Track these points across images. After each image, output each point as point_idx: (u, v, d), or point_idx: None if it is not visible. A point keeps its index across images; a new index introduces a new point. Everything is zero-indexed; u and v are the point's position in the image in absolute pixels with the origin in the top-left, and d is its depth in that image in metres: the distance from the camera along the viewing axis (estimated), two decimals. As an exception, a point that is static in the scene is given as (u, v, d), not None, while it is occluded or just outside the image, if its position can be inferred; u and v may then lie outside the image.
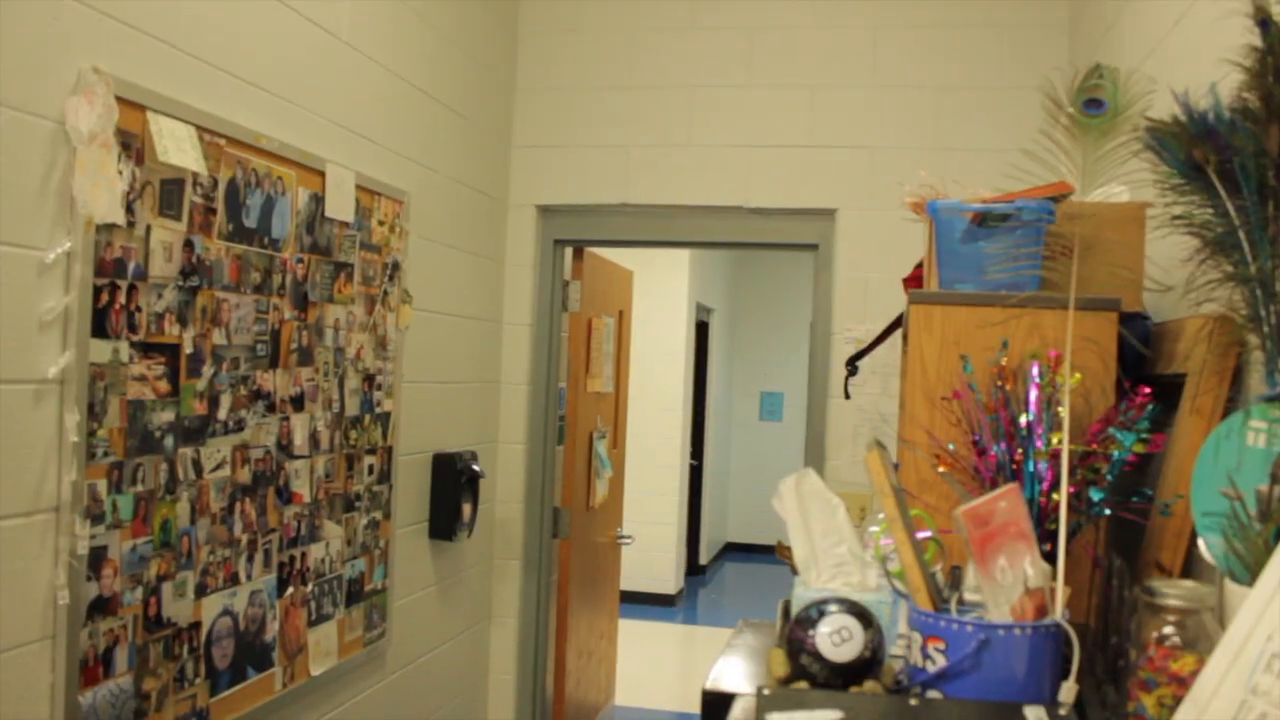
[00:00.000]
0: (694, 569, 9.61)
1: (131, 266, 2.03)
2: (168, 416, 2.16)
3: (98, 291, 1.95)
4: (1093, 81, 1.54)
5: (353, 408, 2.90)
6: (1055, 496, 1.44)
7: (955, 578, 1.36)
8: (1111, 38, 2.93)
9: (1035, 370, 1.55)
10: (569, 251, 4.31)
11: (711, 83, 3.93)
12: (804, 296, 5.34)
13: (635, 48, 4.00)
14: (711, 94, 3.93)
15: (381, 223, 3.01)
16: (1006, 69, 3.69)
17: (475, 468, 3.58)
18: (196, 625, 2.27)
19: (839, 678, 1.29)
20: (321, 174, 2.69)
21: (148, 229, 2.07)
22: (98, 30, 1.96)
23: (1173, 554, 1.55)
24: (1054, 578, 1.31)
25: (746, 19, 3.91)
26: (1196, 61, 1.90)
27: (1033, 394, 1.53)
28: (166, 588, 2.17)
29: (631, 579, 7.46)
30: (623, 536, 5.20)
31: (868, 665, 1.30)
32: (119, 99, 1.95)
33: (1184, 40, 2.15)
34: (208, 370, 2.27)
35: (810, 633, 1.31)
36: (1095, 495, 1.47)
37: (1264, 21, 1.27)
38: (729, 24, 3.92)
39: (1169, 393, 1.67)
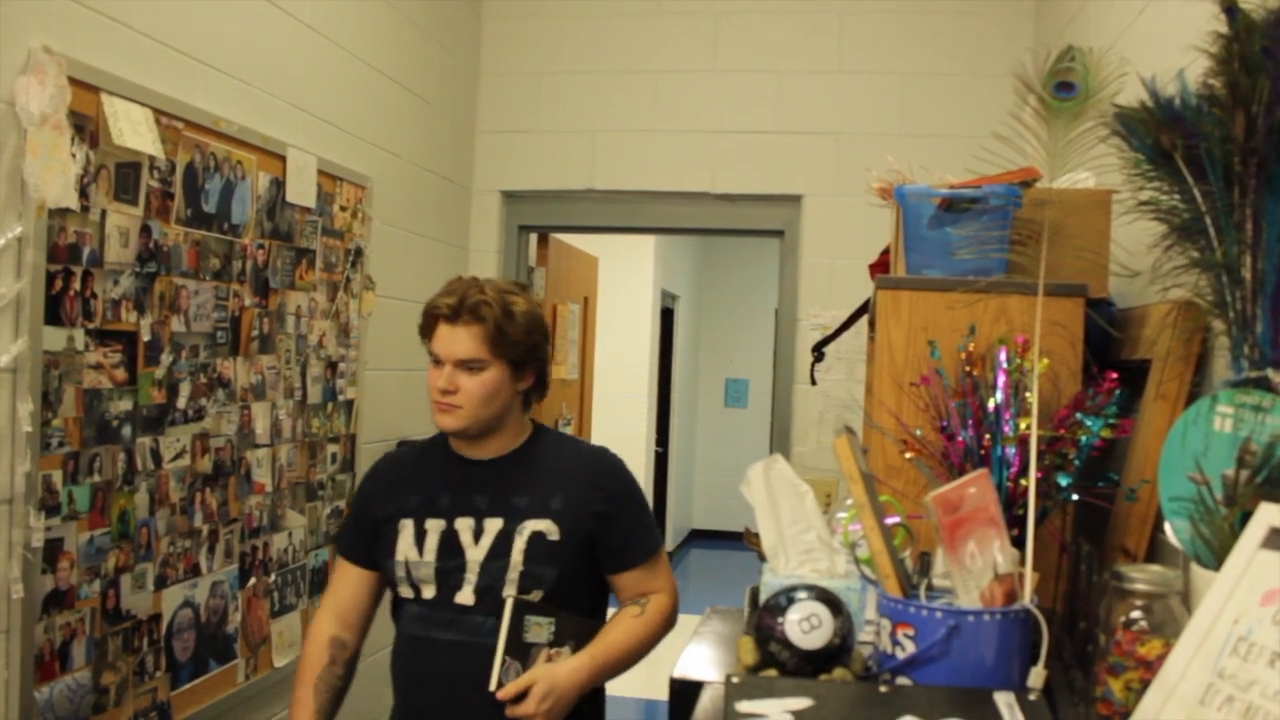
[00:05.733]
0: (660, 556, 9.60)
1: (86, 252, 1.99)
2: (125, 405, 2.11)
3: (51, 278, 1.91)
4: (1064, 64, 1.54)
5: (315, 395, 2.86)
6: (1023, 482, 1.44)
7: (924, 564, 1.36)
8: (1077, 24, 2.94)
9: (1003, 355, 1.55)
10: (534, 237, 4.28)
11: (677, 67, 3.91)
12: (769, 283, 5.35)
13: (600, 32, 3.97)
14: (677, 79, 3.91)
15: (344, 208, 2.97)
16: (972, 55, 3.70)
17: (440, 456, 3.49)
18: (157, 617, 2.24)
19: (808, 665, 1.28)
20: (282, 158, 2.65)
21: (103, 214, 2.03)
22: (48, 8, 1.91)
23: (1138, 538, 1.56)
24: (1022, 563, 1.31)
25: (713, 3, 3.89)
26: (1163, 48, 1.90)
27: (1000, 379, 1.53)
28: (125, 580, 2.13)
29: (597, 566, 7.44)
30: (589, 524, 5.17)
31: (837, 652, 1.29)
32: (71, 80, 1.90)
33: (1150, 27, 2.16)
34: (166, 358, 2.23)
35: (779, 620, 1.30)
36: (1063, 481, 1.47)
37: (1230, 9, 1.27)
38: (695, 8, 3.90)
39: (1134, 377, 1.68)
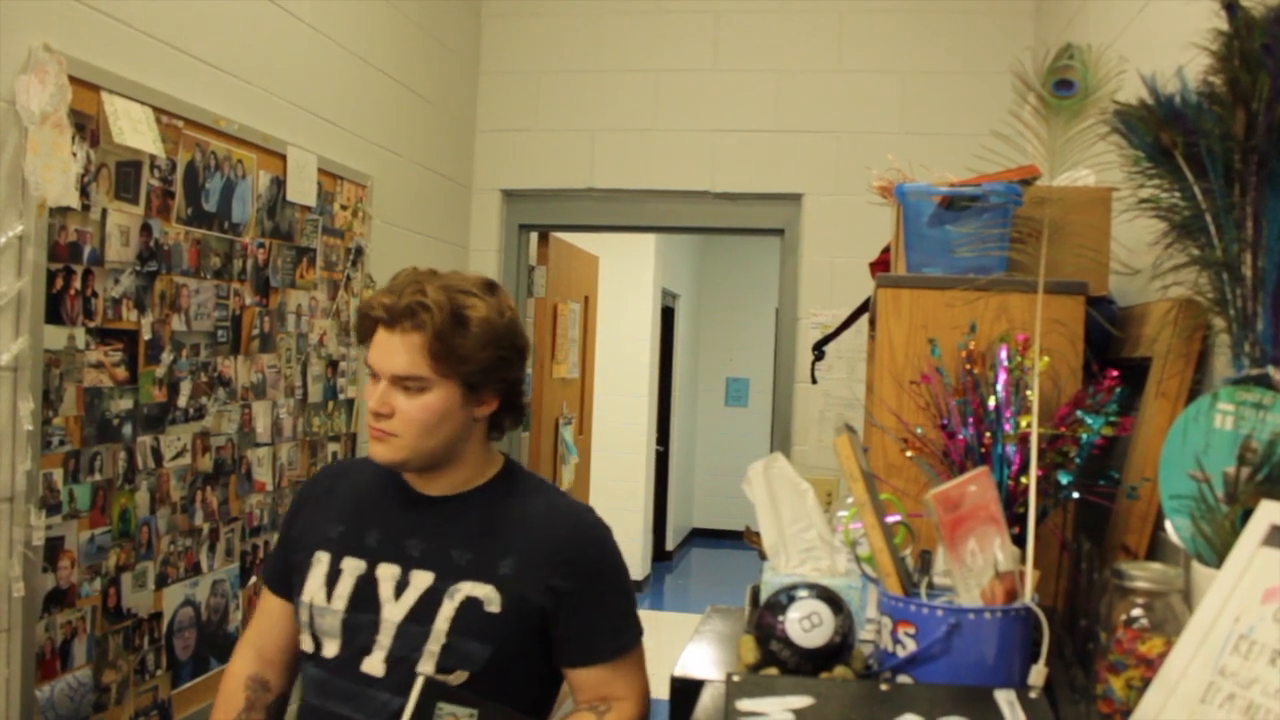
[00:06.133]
0: (661, 555, 9.61)
1: (87, 251, 1.99)
2: (126, 404, 2.11)
3: (52, 276, 1.91)
4: (1063, 62, 1.54)
5: (316, 394, 2.86)
6: (1024, 480, 1.44)
7: (925, 562, 1.35)
8: (1077, 22, 2.94)
9: (1003, 353, 1.55)
10: (534, 236, 4.28)
11: (677, 66, 3.91)
12: (769, 282, 5.35)
13: (600, 30, 3.97)
14: (677, 78, 3.91)
15: (344, 207, 2.97)
16: (972, 54, 3.70)
17: (441, 455, 3.52)
18: (157, 616, 2.24)
19: (809, 663, 1.28)
20: (283, 157, 2.65)
21: (104, 212, 2.03)
22: (49, 7, 1.91)
23: (1138, 537, 1.56)
24: (1023, 561, 1.31)
25: (713, 2, 3.89)
26: (1163, 46, 1.91)
27: (1001, 377, 1.53)
28: (126, 578, 2.13)
29: (598, 565, 7.43)
30: (589, 523, 5.17)
31: (838, 650, 1.29)
32: (72, 79, 1.90)
33: (1150, 25, 2.16)
34: (167, 357, 2.23)
35: (780, 618, 1.30)
36: (1063, 478, 1.47)
37: (1231, 6, 1.27)
38: (695, 7, 3.90)
39: (1134, 376, 1.68)
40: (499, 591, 1.54)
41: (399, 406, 1.54)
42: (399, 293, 1.54)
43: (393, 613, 1.55)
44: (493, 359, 1.56)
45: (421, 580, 1.56)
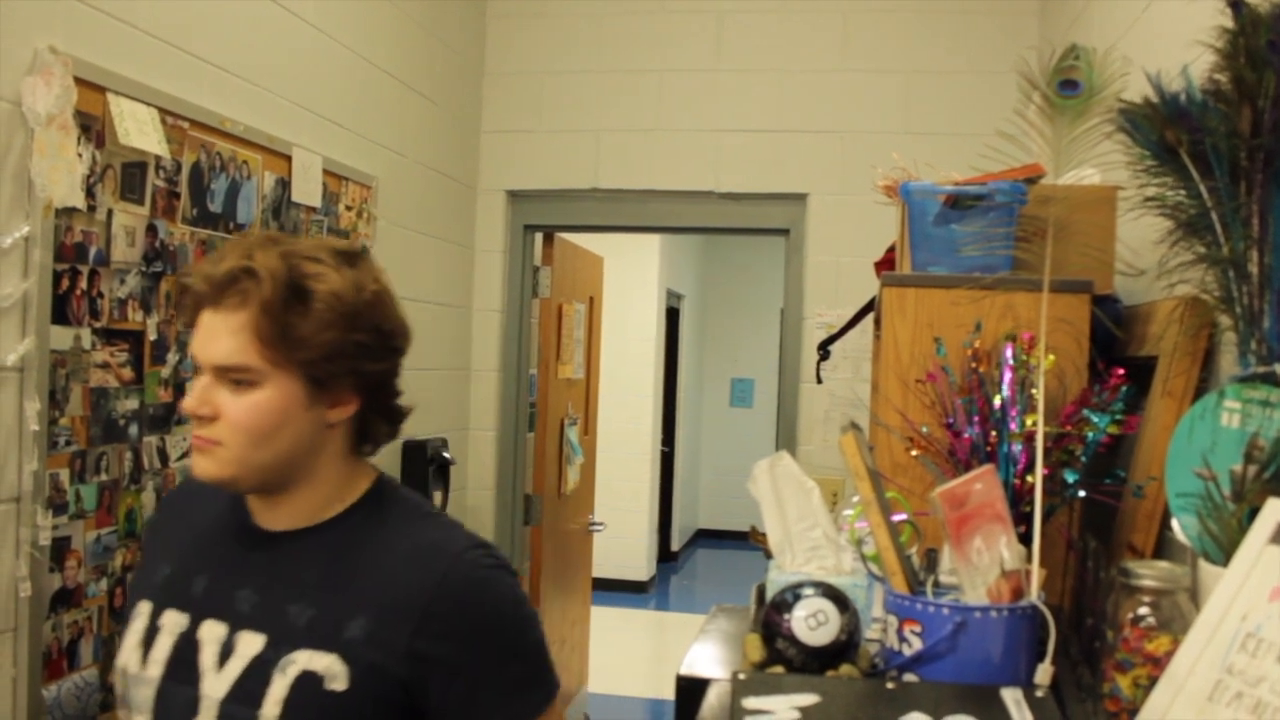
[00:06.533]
0: (666, 555, 9.62)
1: (93, 251, 1.99)
2: (132, 404, 2.12)
3: (58, 277, 1.91)
4: (1069, 62, 1.54)
5: (321, 395, 2.86)
6: (1030, 478, 1.44)
7: (931, 560, 1.35)
8: (1081, 22, 2.94)
9: (1009, 352, 1.54)
10: (539, 237, 4.28)
11: (681, 66, 3.91)
12: (774, 282, 5.35)
13: (604, 31, 3.97)
14: (681, 78, 3.91)
15: (349, 208, 2.98)
16: (976, 53, 3.69)
17: (446, 455, 3.55)
18: (163, 616, 2.24)
19: (815, 661, 1.28)
20: (288, 158, 2.65)
21: (109, 213, 2.03)
22: (54, 8, 1.91)
23: (1145, 535, 1.56)
24: (1029, 560, 1.31)
25: (717, 2, 3.89)
26: (1168, 44, 1.91)
27: (1006, 376, 1.53)
28: (132, 578, 2.14)
29: (603, 566, 7.46)
30: (595, 523, 5.19)
31: (844, 649, 1.29)
32: (78, 80, 1.91)
33: (1155, 24, 2.15)
34: (172, 357, 2.24)
35: (785, 616, 1.30)
36: (1069, 477, 1.47)
37: (1236, 3, 1.27)
38: (699, 7, 3.91)
39: (1140, 375, 1.68)
40: (344, 662, 1.18)
41: (223, 407, 1.19)
42: (223, 258, 1.21)
43: (214, 687, 1.20)
44: (341, 344, 1.20)
45: (249, 646, 1.21)
